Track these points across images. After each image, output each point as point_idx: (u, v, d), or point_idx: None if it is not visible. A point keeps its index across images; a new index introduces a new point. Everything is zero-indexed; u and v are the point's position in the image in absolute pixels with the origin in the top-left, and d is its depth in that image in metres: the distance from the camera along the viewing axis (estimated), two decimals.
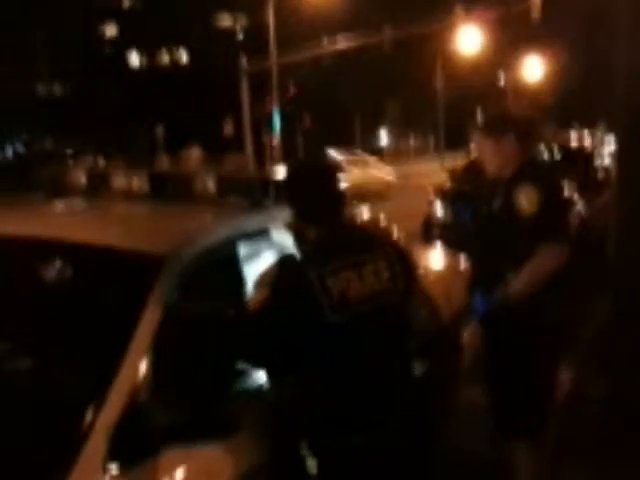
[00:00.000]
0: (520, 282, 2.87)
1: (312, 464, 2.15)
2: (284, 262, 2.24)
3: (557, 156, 9.16)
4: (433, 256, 4.71)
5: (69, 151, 29.65)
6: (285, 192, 2.35)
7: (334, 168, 2.38)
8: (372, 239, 2.38)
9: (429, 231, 9.30)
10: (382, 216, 4.00)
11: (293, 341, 2.11)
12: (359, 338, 2.15)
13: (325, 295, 2.08)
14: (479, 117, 3.99)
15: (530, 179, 2.90)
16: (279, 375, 2.27)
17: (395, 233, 3.63)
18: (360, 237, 2.33)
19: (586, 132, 11.78)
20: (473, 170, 7.14)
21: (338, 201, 2.28)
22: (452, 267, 4.35)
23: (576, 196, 8.02)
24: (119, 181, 3.21)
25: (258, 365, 2.27)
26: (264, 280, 2.30)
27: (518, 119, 3.16)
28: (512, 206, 2.87)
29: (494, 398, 3.12)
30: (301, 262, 2.19)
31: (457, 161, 13.28)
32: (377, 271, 2.20)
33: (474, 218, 3.24)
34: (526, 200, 2.83)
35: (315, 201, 2.25)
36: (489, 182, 3.14)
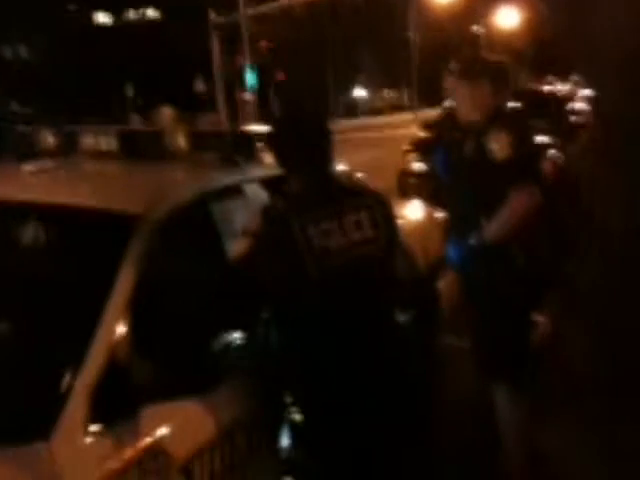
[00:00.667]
0: (494, 227, 2.88)
1: (297, 415, 2.17)
2: (265, 212, 2.23)
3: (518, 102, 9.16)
4: (410, 206, 4.72)
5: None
6: (268, 142, 2.34)
7: (317, 117, 2.35)
8: (353, 189, 2.38)
9: (405, 182, 9.29)
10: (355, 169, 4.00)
11: (275, 290, 2.12)
12: (341, 288, 2.15)
13: (307, 244, 2.08)
14: (452, 62, 3.93)
15: (502, 124, 2.90)
16: (261, 326, 2.27)
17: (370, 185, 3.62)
18: (341, 187, 2.33)
19: (559, 86, 11.72)
20: (448, 119, 7.11)
21: (320, 150, 2.26)
22: (429, 217, 4.37)
23: (549, 140, 8.03)
24: (88, 141, 3.16)
25: (240, 317, 2.28)
26: (245, 230, 2.29)
27: (492, 64, 3.15)
28: (484, 151, 2.87)
29: (474, 343, 3.17)
30: (283, 211, 2.18)
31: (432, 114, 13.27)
32: (359, 221, 2.20)
33: (446, 164, 3.24)
34: (498, 145, 2.83)
35: (295, 150, 2.24)
36: (461, 128, 3.13)
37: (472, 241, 2.93)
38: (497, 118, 2.96)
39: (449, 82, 3.18)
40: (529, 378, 3.12)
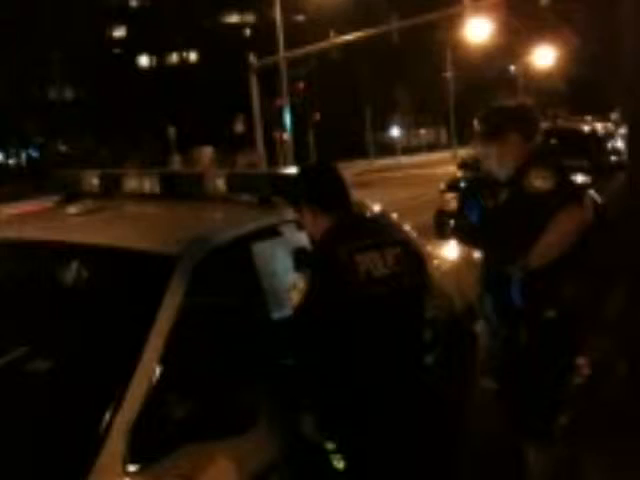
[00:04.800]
0: (541, 248, 2.71)
1: (337, 457, 2.15)
2: (312, 254, 2.30)
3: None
4: (446, 247, 4.70)
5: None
6: (299, 190, 2.41)
7: (337, 167, 2.47)
8: (387, 226, 2.51)
9: (441, 222, 9.22)
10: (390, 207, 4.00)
11: (319, 316, 2.12)
12: (381, 317, 2.18)
13: (354, 268, 2.13)
14: (482, 119, 3.11)
15: (539, 163, 2.80)
16: (300, 365, 2.26)
17: (405, 225, 3.63)
18: (376, 224, 2.46)
19: (599, 125, 11.56)
20: None
21: (347, 194, 2.38)
22: (465, 257, 4.34)
23: (588, 179, 7.91)
24: (131, 183, 3.23)
25: (277, 356, 2.29)
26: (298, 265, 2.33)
27: (517, 111, 2.98)
28: (523, 191, 2.76)
29: (504, 399, 3.07)
30: (326, 243, 2.25)
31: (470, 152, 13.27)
32: (397, 255, 2.25)
33: (481, 215, 3.04)
34: (539, 180, 2.72)
35: (330, 193, 2.34)
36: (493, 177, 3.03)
37: (517, 273, 2.78)
38: (532, 160, 2.84)
39: (478, 145, 3.01)
40: (565, 427, 3.02)
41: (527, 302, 2.83)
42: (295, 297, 2.21)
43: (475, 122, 3.02)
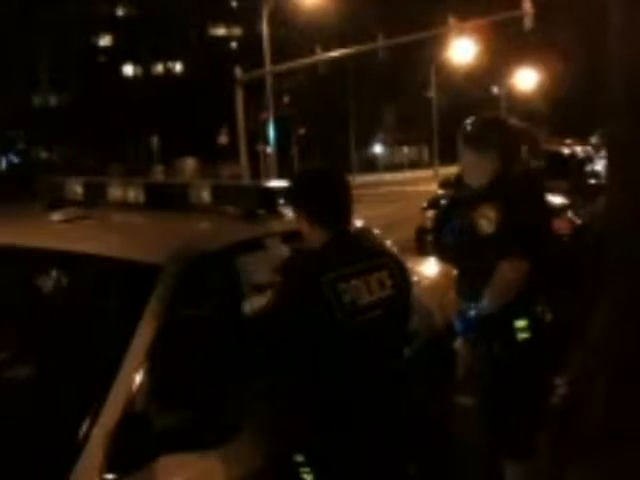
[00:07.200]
0: (486, 301, 2.84)
1: (307, 472, 2.13)
2: (292, 267, 2.23)
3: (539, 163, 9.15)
4: (427, 264, 4.73)
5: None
6: (295, 195, 2.32)
7: (344, 176, 2.36)
8: (373, 247, 2.45)
9: (422, 239, 9.30)
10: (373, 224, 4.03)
11: (302, 344, 2.08)
12: (364, 345, 2.15)
13: (337, 300, 2.08)
14: (468, 122, 3.64)
15: (493, 198, 2.82)
16: (281, 379, 2.24)
17: (387, 242, 3.66)
18: (363, 245, 2.37)
19: (579, 148, 11.73)
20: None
21: (348, 208, 2.27)
22: (445, 274, 4.38)
23: (567, 201, 8.03)
24: (116, 191, 3.23)
25: (259, 368, 2.27)
26: (272, 284, 2.28)
27: (506, 131, 3.01)
28: (474, 225, 2.83)
29: (482, 415, 3.09)
30: (310, 266, 2.17)
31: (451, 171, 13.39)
32: (381, 280, 2.21)
33: (454, 234, 3.10)
34: (484, 220, 2.79)
35: (328, 205, 2.23)
36: (467, 189, 3.06)
37: (472, 313, 2.90)
38: (492, 189, 2.87)
39: (460, 144, 3.04)
40: (544, 444, 3.04)
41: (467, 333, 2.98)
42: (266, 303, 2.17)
43: (464, 124, 3.03)
